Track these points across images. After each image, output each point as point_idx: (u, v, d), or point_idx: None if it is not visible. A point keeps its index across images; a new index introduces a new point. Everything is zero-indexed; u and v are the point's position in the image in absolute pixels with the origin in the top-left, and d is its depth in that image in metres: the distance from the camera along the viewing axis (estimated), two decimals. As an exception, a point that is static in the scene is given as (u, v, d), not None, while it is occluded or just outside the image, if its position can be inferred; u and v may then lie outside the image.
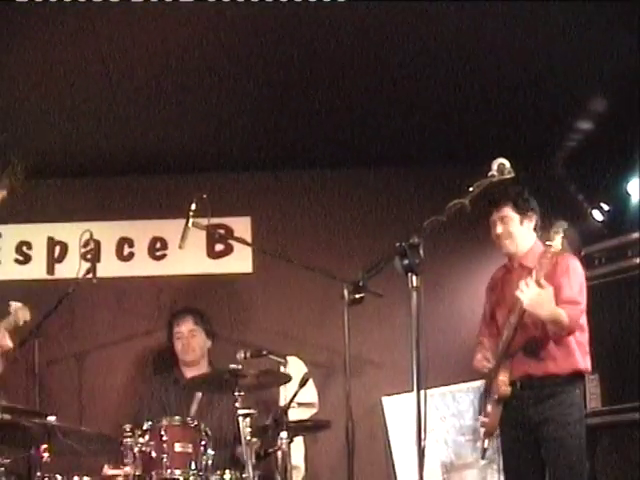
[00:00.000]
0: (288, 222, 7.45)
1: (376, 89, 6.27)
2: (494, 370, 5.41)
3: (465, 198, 4.01)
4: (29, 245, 7.61)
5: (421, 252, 3.79)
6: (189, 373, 6.35)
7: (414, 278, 3.78)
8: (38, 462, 5.04)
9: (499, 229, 5.42)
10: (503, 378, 5.35)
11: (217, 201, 6.19)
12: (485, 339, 5.68)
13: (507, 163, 4.19)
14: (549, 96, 6.27)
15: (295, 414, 5.80)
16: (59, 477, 5.05)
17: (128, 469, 4.91)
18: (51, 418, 5.16)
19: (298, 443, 5.85)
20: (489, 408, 5.47)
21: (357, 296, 5.37)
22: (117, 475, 4.93)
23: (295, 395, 5.49)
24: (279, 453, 5.22)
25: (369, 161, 7.35)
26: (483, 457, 5.73)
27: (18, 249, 7.58)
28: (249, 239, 7.38)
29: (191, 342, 6.44)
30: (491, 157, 4.24)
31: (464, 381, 6.95)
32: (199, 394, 6.14)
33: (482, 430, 5.56)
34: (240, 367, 5.14)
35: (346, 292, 5.39)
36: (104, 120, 6.66)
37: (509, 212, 5.41)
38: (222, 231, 7.34)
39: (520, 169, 4.32)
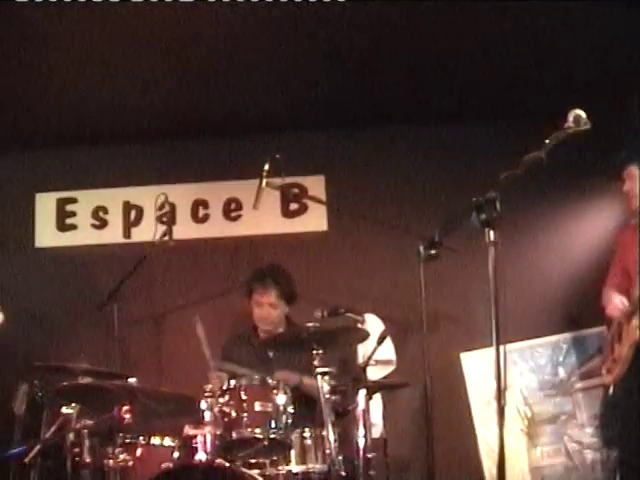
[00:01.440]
0: (362, 179, 7.40)
1: (450, 44, 6.19)
2: (628, 315, 5.47)
3: (541, 151, 3.94)
4: (105, 210, 7.69)
5: (498, 206, 3.75)
6: (265, 333, 6.34)
7: (491, 233, 3.74)
8: (119, 424, 5.09)
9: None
10: (637, 323, 5.45)
11: (291, 160, 6.16)
12: (612, 289, 5.81)
13: (583, 114, 4.10)
14: (626, 44, 6.14)
15: (373, 371, 5.79)
16: (140, 438, 5.11)
17: (208, 429, 4.92)
18: (131, 380, 5.20)
19: (377, 400, 5.83)
20: (620, 353, 5.58)
21: (433, 252, 5.34)
22: (198, 435, 4.94)
23: (373, 352, 5.48)
24: (358, 411, 5.21)
25: (443, 116, 7.25)
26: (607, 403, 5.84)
27: (95, 214, 7.67)
28: (323, 197, 7.36)
29: (271, 313, 6.30)
30: (567, 108, 4.16)
31: (542, 336, 6.88)
32: (275, 353, 6.13)
33: (607, 375, 5.63)
34: (318, 325, 5.13)
35: (422, 248, 5.36)
36: (179, 83, 6.69)
37: None
38: (296, 190, 7.35)
39: (597, 120, 4.23)
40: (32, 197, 7.71)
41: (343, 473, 4.83)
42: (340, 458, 4.86)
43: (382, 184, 7.38)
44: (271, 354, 6.07)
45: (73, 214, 7.69)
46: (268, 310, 6.28)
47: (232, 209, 7.59)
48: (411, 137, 7.47)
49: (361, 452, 5.04)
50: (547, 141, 3.99)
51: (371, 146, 7.48)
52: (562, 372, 6.88)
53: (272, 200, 7.23)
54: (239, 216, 7.58)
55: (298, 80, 6.65)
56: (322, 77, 6.63)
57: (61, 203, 7.70)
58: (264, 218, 7.30)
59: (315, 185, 7.45)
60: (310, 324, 5.13)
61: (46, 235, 7.69)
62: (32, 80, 6.53)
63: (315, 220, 7.47)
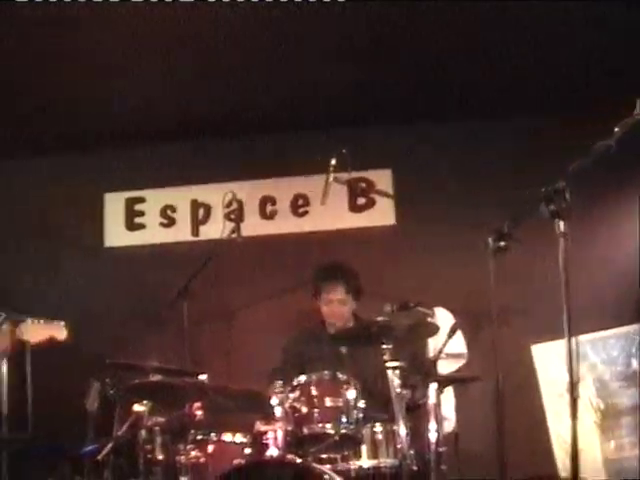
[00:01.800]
0: (429, 172, 7.37)
1: (518, 38, 6.15)
2: None
3: (611, 139, 3.87)
4: (173, 208, 7.76)
5: (567, 197, 3.69)
6: (333, 328, 6.31)
7: (561, 224, 3.68)
8: (191, 420, 5.13)
9: None
10: None
11: (357, 155, 6.13)
12: None
13: (653, 101, 4.02)
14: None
15: (444, 365, 5.75)
16: (212, 435, 5.13)
17: (279, 425, 4.92)
18: (202, 377, 5.24)
19: (448, 394, 5.79)
20: None
21: (502, 244, 5.27)
22: (269, 431, 4.94)
23: (444, 346, 5.44)
24: (429, 405, 5.18)
25: (511, 108, 7.17)
26: None
27: (163, 213, 7.75)
28: (391, 191, 7.35)
29: (341, 309, 6.25)
30: (636, 96, 4.08)
31: (614, 327, 6.79)
32: (345, 348, 6.11)
33: None
34: (388, 319, 5.11)
35: (491, 241, 5.30)
36: (244, 80, 6.70)
37: None
38: (363, 184, 7.35)
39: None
40: (101, 197, 7.83)
41: (415, 468, 4.81)
42: (412, 453, 4.84)
43: (449, 176, 7.35)
44: (344, 349, 6.06)
45: (142, 213, 7.79)
46: (338, 307, 6.23)
47: (300, 205, 7.62)
48: (478, 130, 7.41)
49: (433, 446, 5.01)
50: (616, 129, 3.92)
51: (437, 138, 7.44)
52: (635, 363, 6.76)
53: (339, 195, 7.23)
54: (306, 212, 7.61)
55: (362, 73, 6.62)
56: (387, 70, 6.60)
57: (130, 202, 7.80)
58: (332, 213, 7.31)
59: (382, 179, 7.44)
60: (380, 318, 5.11)
61: (115, 235, 7.80)
62: (99, 80, 6.60)
63: (383, 214, 7.46)
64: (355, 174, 6.43)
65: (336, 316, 6.22)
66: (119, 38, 6.05)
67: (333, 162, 6.12)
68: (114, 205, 7.81)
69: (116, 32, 5.98)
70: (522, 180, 6.82)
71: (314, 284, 6.37)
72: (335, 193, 6.49)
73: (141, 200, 7.79)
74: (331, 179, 6.15)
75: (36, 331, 4.71)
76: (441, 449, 5.04)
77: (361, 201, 7.52)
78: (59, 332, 4.86)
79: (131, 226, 7.77)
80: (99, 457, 5.51)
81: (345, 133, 7.29)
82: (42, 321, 4.75)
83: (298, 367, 5.87)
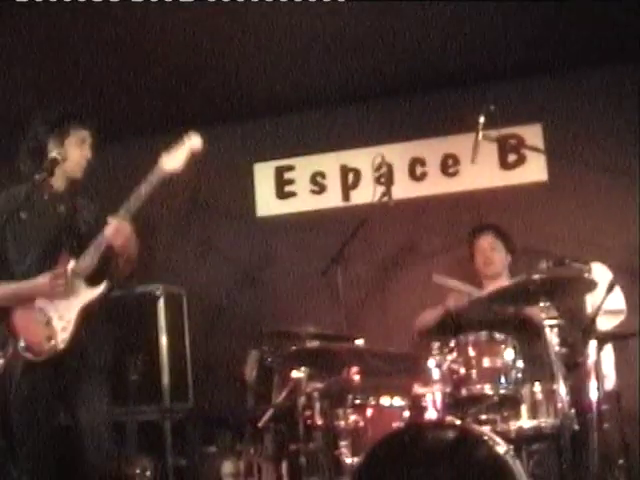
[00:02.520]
0: (580, 125, 7.17)
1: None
2: None
3: None
4: (323, 175, 7.79)
5: None
6: (490, 287, 6.26)
7: None
8: (349, 385, 5.15)
9: None
10: None
11: (505, 111, 6.03)
12: None
13: None
14: None
15: (603, 322, 5.62)
16: (370, 399, 5.15)
17: (437, 387, 4.90)
18: (359, 341, 5.25)
19: (607, 351, 5.66)
20: None
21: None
22: (427, 393, 4.92)
23: (602, 302, 5.31)
24: (589, 363, 5.07)
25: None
26: None
27: (313, 180, 7.79)
28: (542, 146, 7.19)
29: (491, 255, 6.32)
30: None
31: None
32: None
33: None
34: (544, 276, 5.00)
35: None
36: (387, 42, 6.65)
37: None
38: (513, 141, 7.23)
39: None
40: (251, 167, 7.91)
41: (576, 427, 4.72)
42: (572, 412, 4.74)
43: (601, 127, 7.13)
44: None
45: (292, 181, 7.85)
46: (489, 252, 6.33)
47: (449, 165, 7.54)
48: (630, 77, 7.16)
49: (594, 405, 4.91)
50: None
51: (588, 88, 7.23)
52: None
53: (489, 153, 7.16)
54: (457, 171, 7.52)
55: (505, 25, 6.49)
56: (530, 20, 6.44)
57: (279, 171, 7.87)
58: (482, 172, 7.21)
59: (532, 134, 7.28)
60: (536, 275, 5.02)
61: (267, 204, 7.89)
62: (246, 51, 6.65)
63: (534, 170, 7.31)
64: (504, 131, 6.33)
65: (489, 263, 6.27)
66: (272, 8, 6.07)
67: (481, 119, 6.02)
68: (264, 175, 7.90)
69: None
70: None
71: (468, 241, 6.51)
72: (485, 151, 6.39)
73: (290, 168, 7.85)
74: (480, 137, 6.06)
75: (175, 157, 4.72)
76: (603, 408, 4.94)
77: (512, 158, 7.39)
78: (193, 141, 4.84)
79: (282, 195, 7.84)
80: (259, 424, 5.60)
81: (491, 88, 7.20)
82: (174, 145, 4.76)
83: (452, 329, 5.84)
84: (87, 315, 4.74)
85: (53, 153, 4.73)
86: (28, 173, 4.83)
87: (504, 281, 6.24)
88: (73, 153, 4.94)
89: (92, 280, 4.78)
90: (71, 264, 4.74)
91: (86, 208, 5.05)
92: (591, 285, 5.22)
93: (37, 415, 4.71)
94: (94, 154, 5.06)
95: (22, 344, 4.71)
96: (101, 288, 4.76)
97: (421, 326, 6.34)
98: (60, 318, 4.72)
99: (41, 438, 4.75)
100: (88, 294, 4.75)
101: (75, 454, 4.74)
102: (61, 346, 4.67)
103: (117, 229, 4.67)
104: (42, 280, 4.72)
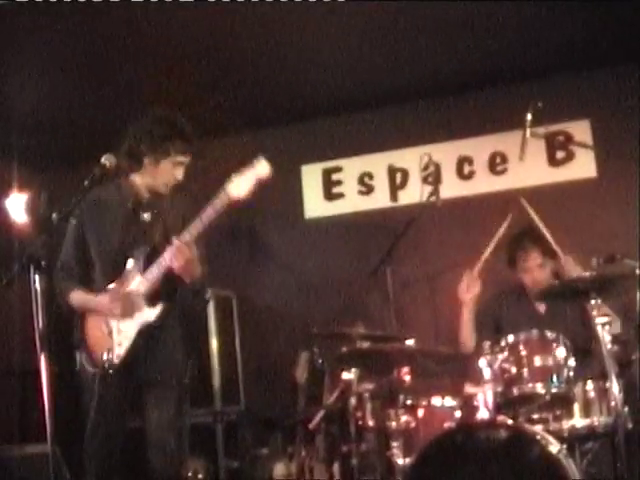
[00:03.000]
0: (629, 120, 7.08)
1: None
2: None
3: None
4: (370, 175, 7.81)
5: None
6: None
7: None
8: (400, 386, 5.15)
9: None
10: None
11: (553, 107, 5.98)
12: None
13: None
14: None
15: (656, 319, 5.57)
16: (421, 399, 5.14)
17: (489, 387, 4.87)
18: (409, 341, 5.24)
19: (661, 348, 5.61)
20: None
21: None
22: (478, 393, 4.90)
23: (655, 298, 5.26)
24: (643, 360, 5.03)
25: None
26: None
27: (360, 180, 7.81)
28: (590, 142, 7.15)
29: (542, 274, 6.03)
30: None
31: None
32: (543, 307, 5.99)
33: None
34: (595, 273, 4.96)
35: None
36: (433, 41, 6.64)
37: None
38: (561, 137, 7.19)
39: None
40: (298, 169, 7.94)
41: (630, 425, 4.68)
42: (626, 410, 4.69)
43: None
44: (542, 308, 5.95)
45: (339, 183, 7.87)
46: (538, 273, 6.04)
47: (497, 163, 7.53)
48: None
49: (648, 403, 4.87)
50: None
51: (635, 83, 7.14)
52: None
53: (537, 150, 7.14)
54: (505, 169, 7.50)
55: (551, 22, 6.45)
56: (576, 16, 6.40)
57: (327, 173, 7.90)
58: (530, 169, 7.17)
59: (580, 130, 7.24)
60: (585, 273, 4.98)
61: (315, 206, 7.91)
62: (293, 52, 6.67)
63: (583, 167, 7.26)
64: (552, 127, 6.30)
65: (537, 282, 6.04)
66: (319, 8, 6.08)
67: (529, 116, 5.98)
68: (311, 176, 7.92)
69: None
70: None
71: (508, 254, 6.22)
72: (533, 148, 6.35)
73: (338, 169, 7.87)
74: (528, 134, 6.02)
75: (241, 183, 4.70)
76: (657, 406, 4.89)
77: (560, 155, 7.35)
78: (261, 168, 4.81)
79: (330, 196, 7.86)
80: (311, 426, 5.62)
81: (538, 85, 7.19)
82: (240, 170, 4.74)
83: (492, 328, 5.81)
84: (149, 332, 4.73)
85: (102, 159, 4.70)
86: (120, 173, 4.85)
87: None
88: (165, 175, 4.91)
89: (153, 299, 4.76)
90: (135, 283, 4.74)
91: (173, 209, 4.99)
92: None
93: (107, 419, 4.73)
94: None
95: (84, 356, 4.77)
96: (158, 310, 4.73)
97: None
98: (119, 332, 4.72)
99: (110, 441, 4.77)
100: (145, 314, 4.73)
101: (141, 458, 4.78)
102: (115, 361, 4.66)
103: (179, 251, 4.64)
104: (102, 300, 4.74)
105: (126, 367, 4.69)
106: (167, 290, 4.79)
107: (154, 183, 4.91)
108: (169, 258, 4.66)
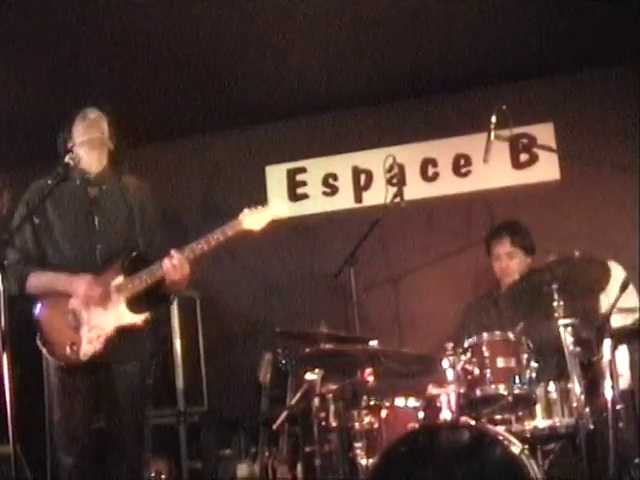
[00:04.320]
0: (592, 124, 7.17)
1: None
2: None
3: None
4: (335, 177, 7.80)
5: None
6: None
7: None
8: (363, 387, 5.15)
9: None
10: None
11: (517, 110, 6.01)
12: None
13: None
14: None
15: (617, 320, 5.60)
16: (385, 400, 5.15)
17: (452, 388, 4.89)
18: (373, 343, 5.24)
19: (622, 350, 5.64)
20: None
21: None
22: (441, 394, 4.92)
23: (616, 301, 5.28)
24: (603, 362, 5.05)
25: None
26: None
27: (325, 181, 7.80)
28: (553, 145, 7.18)
29: (509, 264, 6.16)
30: None
31: None
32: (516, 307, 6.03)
33: None
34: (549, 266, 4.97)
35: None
36: (399, 44, 6.65)
37: None
38: (525, 140, 7.21)
39: None
40: (262, 170, 7.91)
41: (591, 426, 4.70)
42: (587, 411, 4.72)
43: (612, 126, 7.12)
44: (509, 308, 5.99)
45: (304, 183, 7.85)
46: (506, 261, 6.17)
47: (461, 165, 7.54)
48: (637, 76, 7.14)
49: (609, 404, 4.88)
50: None
51: (599, 88, 7.22)
52: None
53: (501, 152, 7.16)
54: (469, 171, 7.52)
55: (516, 25, 6.49)
56: (540, 20, 6.44)
57: (291, 174, 7.88)
58: (494, 172, 7.20)
59: (544, 133, 7.27)
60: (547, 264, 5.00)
61: (279, 206, 7.85)
62: (256, 56, 6.66)
63: (547, 169, 7.29)
64: (516, 130, 6.31)
65: (505, 270, 6.15)
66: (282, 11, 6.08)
67: (493, 119, 6.01)
68: (276, 177, 7.89)
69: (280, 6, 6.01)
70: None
71: (486, 243, 6.37)
72: (497, 151, 6.37)
73: (302, 170, 7.85)
74: (492, 137, 6.05)
75: (256, 218, 4.70)
76: (618, 407, 4.91)
77: (524, 157, 7.38)
78: (280, 209, 4.82)
79: (294, 197, 7.84)
80: (274, 427, 5.61)
81: (502, 89, 7.27)
82: (259, 207, 4.74)
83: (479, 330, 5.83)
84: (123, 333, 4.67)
85: (66, 158, 4.70)
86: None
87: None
88: (76, 135, 4.87)
89: (134, 303, 4.70)
90: (119, 279, 4.69)
91: (135, 188, 4.99)
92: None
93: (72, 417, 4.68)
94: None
95: (41, 340, 4.67)
96: (140, 317, 4.68)
97: None
98: (90, 330, 4.63)
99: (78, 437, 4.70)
100: (126, 317, 4.66)
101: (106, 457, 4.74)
102: (83, 359, 4.59)
103: (178, 266, 4.64)
104: (81, 281, 4.65)
105: (91, 365, 4.63)
106: (153, 298, 4.76)
107: (86, 152, 4.85)
108: (166, 269, 4.64)
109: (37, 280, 4.73)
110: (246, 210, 4.77)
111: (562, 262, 5.03)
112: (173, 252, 4.66)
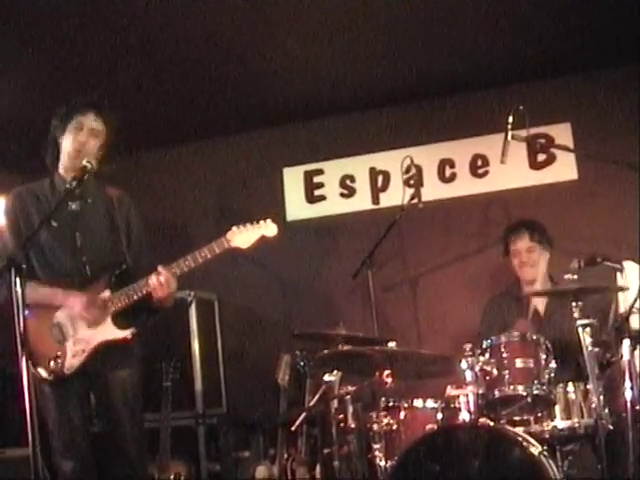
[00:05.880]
0: (609, 123, 7.14)
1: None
2: None
3: None
4: (352, 178, 7.81)
5: None
6: (527, 289, 6.20)
7: None
8: (382, 388, 5.13)
9: None
10: None
11: (534, 110, 6.00)
12: None
13: None
14: None
15: (636, 321, 5.58)
16: (403, 401, 5.15)
17: (470, 389, 4.88)
18: (391, 344, 5.24)
19: (641, 350, 5.63)
20: None
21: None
22: (460, 395, 4.91)
23: (635, 301, 5.27)
24: (622, 362, 5.03)
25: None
26: None
27: (342, 183, 7.81)
28: (571, 145, 7.17)
29: (529, 259, 6.17)
30: None
31: None
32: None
33: None
34: (575, 287, 4.96)
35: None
36: (415, 43, 6.64)
37: None
38: (543, 140, 7.19)
39: None
40: (280, 172, 7.93)
41: (610, 427, 4.68)
42: (606, 411, 4.71)
43: (630, 125, 7.07)
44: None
45: (321, 185, 7.87)
46: (527, 255, 6.16)
47: (479, 166, 7.53)
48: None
49: (628, 405, 4.86)
50: None
51: (616, 87, 7.19)
52: None
53: (519, 153, 7.18)
54: (486, 172, 7.51)
55: (533, 25, 6.46)
56: (558, 20, 6.41)
57: (308, 175, 7.90)
58: (512, 172, 7.19)
59: (562, 133, 7.26)
60: (567, 276, 4.99)
61: (296, 208, 7.90)
62: (273, 58, 6.66)
63: (564, 169, 7.28)
64: (533, 130, 6.29)
65: (526, 265, 6.15)
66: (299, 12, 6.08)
67: (510, 119, 6.00)
68: (293, 179, 7.92)
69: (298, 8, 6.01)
70: None
71: (503, 242, 6.34)
72: (514, 151, 6.36)
73: (320, 172, 7.87)
74: (509, 137, 6.03)
75: (245, 236, 4.70)
76: (637, 407, 4.89)
77: (541, 157, 7.37)
78: (269, 229, 4.82)
79: (311, 199, 7.86)
80: (293, 428, 5.61)
81: (519, 89, 7.25)
82: (248, 225, 4.73)
83: (500, 330, 5.82)
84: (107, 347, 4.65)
85: (84, 161, 4.69)
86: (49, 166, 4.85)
87: (542, 281, 6.19)
88: (72, 141, 4.83)
89: (120, 317, 4.69)
90: (105, 294, 4.67)
91: (119, 202, 4.95)
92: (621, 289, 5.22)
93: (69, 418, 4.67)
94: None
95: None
96: (126, 333, 4.66)
97: None
98: (75, 344, 4.62)
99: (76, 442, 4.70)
100: (111, 332, 4.65)
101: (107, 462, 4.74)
102: (67, 372, 4.58)
103: (165, 282, 4.61)
104: (74, 300, 4.65)
105: (81, 372, 4.63)
106: (139, 312, 4.75)
107: (71, 159, 4.82)
108: (152, 285, 4.62)
109: (33, 292, 4.50)
110: (234, 228, 4.76)
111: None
112: (160, 268, 4.63)
